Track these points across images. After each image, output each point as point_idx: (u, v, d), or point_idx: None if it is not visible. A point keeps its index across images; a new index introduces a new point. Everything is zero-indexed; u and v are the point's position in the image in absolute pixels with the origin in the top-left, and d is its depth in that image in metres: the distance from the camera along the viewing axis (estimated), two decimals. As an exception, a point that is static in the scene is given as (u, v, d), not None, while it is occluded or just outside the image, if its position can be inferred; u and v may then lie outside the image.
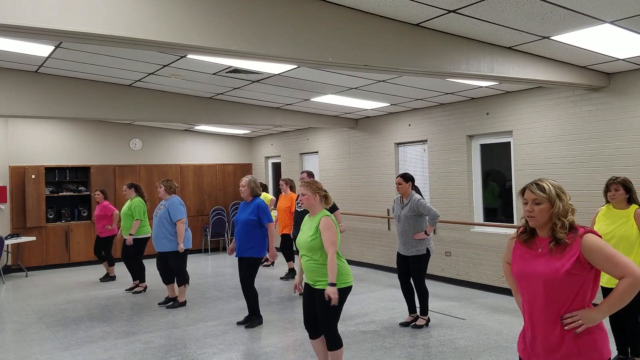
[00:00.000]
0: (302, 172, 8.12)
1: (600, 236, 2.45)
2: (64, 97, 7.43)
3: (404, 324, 6.04)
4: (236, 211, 6.44)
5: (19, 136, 10.77)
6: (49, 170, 11.13)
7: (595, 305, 2.45)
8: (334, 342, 4.18)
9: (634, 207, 4.50)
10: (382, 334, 5.77)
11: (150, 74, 7.02)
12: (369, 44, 4.58)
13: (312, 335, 4.34)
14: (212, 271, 10.30)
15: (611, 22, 4.52)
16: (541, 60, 5.67)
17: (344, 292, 4.13)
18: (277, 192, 11.40)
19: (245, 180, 6.19)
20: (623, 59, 5.69)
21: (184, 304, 7.29)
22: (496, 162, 8.10)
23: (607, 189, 4.61)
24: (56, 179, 11.29)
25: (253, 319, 6.24)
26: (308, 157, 12.00)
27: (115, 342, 5.75)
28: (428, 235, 5.90)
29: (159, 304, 7.36)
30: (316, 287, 4.15)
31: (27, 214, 10.61)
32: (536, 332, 2.50)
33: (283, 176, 11.29)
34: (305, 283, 4.31)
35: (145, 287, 8.41)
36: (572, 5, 4.15)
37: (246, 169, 13.61)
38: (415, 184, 6.13)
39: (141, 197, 8.49)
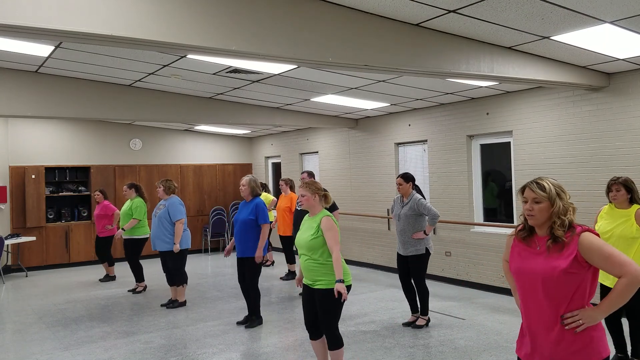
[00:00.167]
0: (303, 172, 8.12)
1: (598, 235, 2.45)
2: (64, 97, 7.43)
3: (407, 324, 6.04)
4: (236, 211, 6.42)
5: (19, 136, 10.77)
6: (49, 170, 11.13)
7: (594, 304, 2.45)
8: (335, 342, 4.19)
9: (635, 207, 4.50)
10: (382, 334, 5.77)
11: (150, 74, 7.02)
12: (369, 44, 4.58)
13: (313, 336, 4.34)
14: (212, 271, 10.30)
15: (611, 22, 4.52)
16: (541, 60, 5.67)
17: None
18: (277, 193, 11.39)
19: (245, 179, 6.19)
20: (623, 59, 5.69)
21: (184, 304, 7.29)
22: (496, 162, 8.10)
23: (608, 189, 4.61)
24: (56, 179, 11.29)
25: (253, 319, 6.23)
26: (308, 157, 12.00)
27: (115, 342, 5.75)
28: (427, 235, 5.90)
29: (161, 305, 7.33)
30: (315, 286, 4.15)
31: (27, 214, 10.61)
32: (533, 330, 2.50)
33: (283, 176, 11.29)
34: (304, 284, 4.32)
35: (145, 287, 8.40)
36: (572, 5, 4.15)
37: (246, 169, 13.61)
38: (416, 184, 6.13)
39: (141, 197, 8.49)
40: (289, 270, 9.14)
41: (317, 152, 11.53)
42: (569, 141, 6.78)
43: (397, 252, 6.09)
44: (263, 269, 9.72)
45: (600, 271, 2.45)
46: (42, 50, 6.03)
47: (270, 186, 13.22)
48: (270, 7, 4.11)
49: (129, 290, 8.36)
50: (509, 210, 7.75)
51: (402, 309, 6.65)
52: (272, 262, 10.61)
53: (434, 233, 8.47)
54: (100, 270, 10.11)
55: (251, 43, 4.05)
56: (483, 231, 7.93)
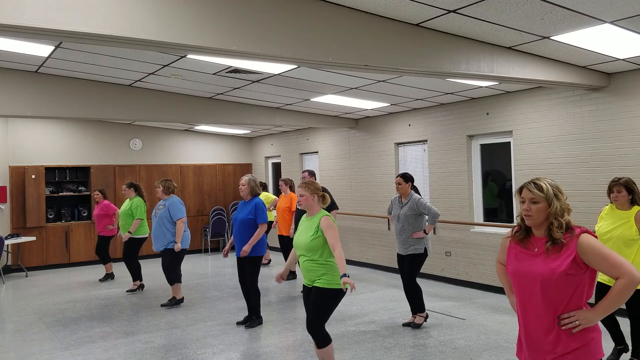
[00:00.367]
0: (304, 171, 8.12)
1: (596, 237, 2.45)
2: (64, 97, 7.43)
3: (407, 324, 6.03)
4: (236, 211, 6.41)
5: (19, 136, 10.77)
6: (49, 170, 11.13)
7: (591, 304, 2.45)
8: (322, 340, 4.17)
9: (635, 208, 4.49)
10: (382, 334, 5.77)
11: (150, 74, 7.02)
12: (369, 44, 4.58)
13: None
14: (212, 271, 10.30)
15: (611, 22, 4.52)
16: (541, 60, 5.67)
17: (338, 294, 4.13)
18: (277, 193, 11.40)
19: (245, 179, 6.19)
20: (623, 59, 5.69)
21: (181, 300, 7.29)
22: (496, 162, 8.10)
23: (609, 190, 4.61)
24: (56, 179, 11.29)
25: (253, 319, 6.23)
26: (308, 157, 12.00)
27: (115, 342, 5.75)
28: (427, 234, 5.90)
29: (161, 305, 7.32)
30: (313, 285, 4.16)
31: (27, 214, 10.61)
32: (530, 332, 2.50)
33: (283, 176, 11.29)
34: (304, 285, 4.31)
35: (140, 286, 8.38)
36: (572, 5, 4.15)
37: (246, 169, 13.61)
38: (415, 184, 6.13)
39: (141, 196, 8.48)
40: (289, 270, 9.12)
41: (317, 152, 11.53)
42: (569, 141, 6.78)
43: (397, 253, 6.09)
44: (262, 268, 9.75)
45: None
46: (42, 50, 6.03)
47: (270, 186, 13.22)
48: (270, 7, 4.11)
49: (127, 291, 8.34)
50: (509, 210, 7.75)
51: (402, 309, 6.65)
52: (269, 261, 10.61)
53: (434, 233, 8.47)
54: (100, 270, 10.10)
55: (251, 43, 4.05)
56: (483, 231, 7.93)
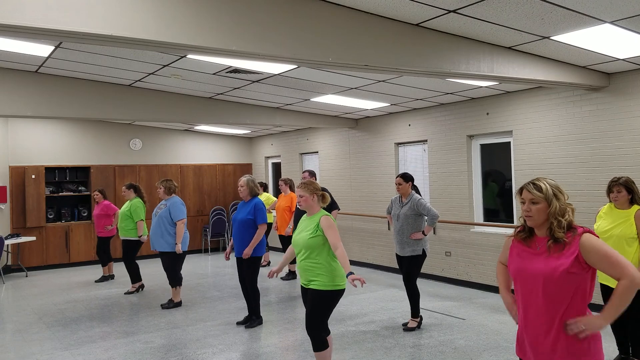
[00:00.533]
0: (304, 172, 8.13)
1: (598, 236, 2.45)
2: (64, 97, 7.43)
3: (404, 324, 6.03)
4: (235, 211, 6.41)
5: (19, 136, 10.77)
6: (49, 170, 11.13)
7: (593, 305, 2.45)
8: (319, 344, 4.15)
9: (635, 207, 4.50)
10: (382, 334, 5.77)
11: (150, 74, 7.02)
12: (369, 44, 4.58)
13: None
14: (212, 271, 10.30)
15: (611, 22, 4.52)
16: (541, 60, 5.67)
17: (336, 295, 4.12)
18: (277, 193, 11.40)
19: (243, 180, 6.19)
20: (623, 59, 5.69)
21: (179, 304, 7.28)
22: (496, 162, 8.10)
23: (609, 190, 4.61)
24: (56, 179, 11.29)
25: (253, 319, 6.23)
26: (308, 157, 12.00)
27: (115, 342, 5.75)
28: (425, 235, 5.89)
29: (161, 305, 7.30)
30: (309, 286, 4.15)
31: (27, 214, 10.61)
32: (531, 331, 2.50)
33: (283, 176, 11.29)
34: (302, 285, 4.31)
35: (140, 287, 8.37)
36: (572, 5, 4.15)
37: (246, 169, 13.61)
38: (415, 183, 6.13)
39: (140, 197, 8.47)
40: (289, 270, 9.14)
41: (317, 152, 11.53)
42: (569, 141, 6.78)
43: (396, 254, 6.08)
44: (262, 269, 9.75)
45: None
46: (42, 50, 6.03)
47: (270, 186, 13.22)
48: (270, 7, 4.11)
49: (125, 294, 8.31)
50: (509, 210, 7.75)
51: (402, 309, 6.65)
52: (268, 263, 10.60)
53: (434, 233, 8.47)
54: (100, 270, 10.10)
55: (251, 43, 4.05)
56: (483, 231, 7.93)
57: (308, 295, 4.16)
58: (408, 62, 4.82)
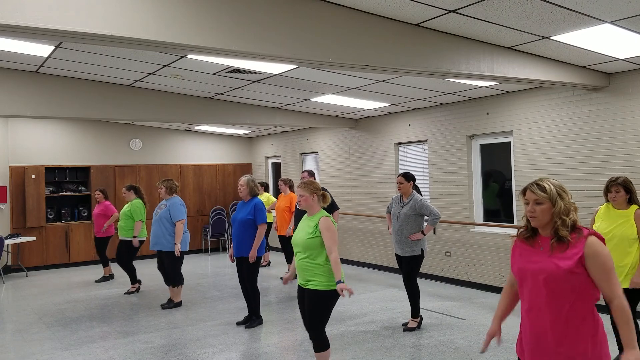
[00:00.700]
0: (303, 172, 8.12)
1: (604, 241, 2.43)
2: (64, 97, 7.43)
3: (404, 324, 6.03)
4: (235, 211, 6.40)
5: (19, 136, 10.77)
6: (49, 170, 11.13)
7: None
8: (320, 344, 4.15)
9: (634, 207, 4.49)
10: (382, 334, 5.77)
11: (150, 74, 7.02)
12: (369, 44, 4.58)
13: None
14: (212, 271, 10.30)
15: (611, 22, 4.52)
16: (541, 60, 5.67)
17: (335, 295, 4.12)
18: (277, 193, 11.39)
19: (243, 179, 6.18)
20: (623, 59, 5.69)
21: (179, 304, 7.28)
22: (496, 162, 8.10)
23: (607, 190, 4.60)
24: (56, 179, 11.28)
25: (253, 319, 6.23)
26: (308, 157, 12.00)
27: (115, 342, 5.75)
28: (425, 235, 5.88)
29: (161, 305, 7.30)
30: (307, 287, 4.15)
31: (27, 214, 10.61)
32: (535, 331, 2.49)
33: (283, 176, 11.29)
34: (298, 285, 4.30)
35: (138, 288, 8.37)
36: (572, 5, 4.15)
37: (246, 169, 13.61)
38: (415, 184, 6.12)
39: (141, 199, 8.47)
40: (289, 269, 9.13)
41: (317, 152, 11.53)
42: (569, 141, 6.78)
43: (395, 253, 6.07)
44: (261, 269, 9.75)
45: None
46: (42, 50, 6.03)
47: (270, 187, 13.21)
48: (270, 7, 4.11)
49: (125, 294, 8.31)
50: (508, 210, 7.74)
51: (402, 309, 6.65)
52: (268, 263, 10.61)
53: (434, 233, 8.47)
54: (100, 270, 10.09)
55: (251, 43, 4.05)
56: (483, 231, 7.93)
57: (306, 295, 4.16)
58: (408, 62, 4.82)
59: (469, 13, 4.39)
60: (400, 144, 9.46)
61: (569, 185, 6.47)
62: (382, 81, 6.89)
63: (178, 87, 7.85)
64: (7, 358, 5.37)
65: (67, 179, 11.41)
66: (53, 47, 5.92)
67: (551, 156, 6.97)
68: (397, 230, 5.93)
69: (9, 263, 10.51)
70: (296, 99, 8.51)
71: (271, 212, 9.70)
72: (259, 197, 6.34)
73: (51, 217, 11.02)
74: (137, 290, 8.34)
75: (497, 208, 8.08)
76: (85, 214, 11.41)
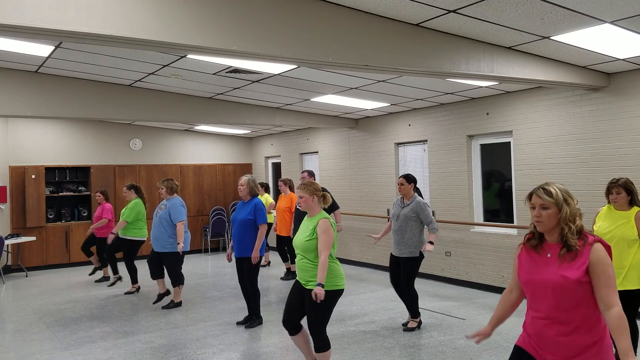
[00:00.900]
0: (303, 172, 8.13)
1: (609, 248, 2.43)
2: (64, 97, 7.43)
3: (404, 324, 6.02)
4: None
5: (19, 136, 10.77)
6: (49, 170, 11.13)
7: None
8: (322, 344, 4.16)
9: (635, 209, 4.49)
10: (382, 334, 5.77)
11: (150, 74, 7.02)
12: (369, 44, 4.58)
13: (291, 332, 4.33)
14: (212, 271, 10.30)
15: (611, 22, 4.52)
16: (541, 60, 5.67)
17: (335, 295, 4.13)
18: (277, 193, 11.40)
19: (244, 179, 6.18)
20: (623, 59, 5.69)
21: (179, 304, 7.28)
22: (496, 162, 8.11)
23: (608, 191, 4.60)
24: (56, 179, 11.29)
25: (253, 319, 6.23)
26: (308, 157, 12.00)
27: (115, 342, 5.75)
28: (433, 243, 5.83)
29: (153, 302, 7.33)
30: (307, 287, 4.15)
31: (27, 214, 10.62)
32: (544, 336, 2.48)
33: (283, 176, 11.29)
34: (296, 281, 4.33)
35: (138, 288, 8.37)
36: (572, 5, 4.15)
37: (246, 169, 13.61)
38: (417, 186, 6.10)
39: (141, 198, 8.46)
40: (286, 269, 9.14)
41: (317, 152, 11.53)
42: (569, 141, 6.78)
43: (391, 253, 6.04)
44: (261, 269, 9.75)
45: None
46: (42, 50, 6.03)
47: (270, 187, 13.21)
48: (270, 7, 4.11)
49: (125, 293, 8.31)
50: (508, 210, 7.74)
51: (402, 309, 6.64)
52: (269, 263, 10.61)
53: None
54: (101, 271, 10.08)
55: (251, 43, 4.05)
56: (483, 231, 7.93)
57: (306, 296, 4.16)
58: (408, 62, 4.82)
59: (469, 13, 4.39)
60: (400, 144, 9.46)
61: (569, 185, 6.45)
62: (382, 81, 6.89)
63: (178, 87, 7.85)
64: (7, 358, 5.37)
65: (67, 179, 11.41)
66: (53, 47, 5.92)
67: (551, 156, 6.97)
68: (396, 230, 5.92)
69: (9, 263, 10.51)
70: (296, 99, 8.51)
71: (271, 213, 9.70)
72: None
73: (51, 217, 11.03)
74: (137, 290, 8.34)
75: (497, 208, 8.08)
76: (85, 214, 11.41)
